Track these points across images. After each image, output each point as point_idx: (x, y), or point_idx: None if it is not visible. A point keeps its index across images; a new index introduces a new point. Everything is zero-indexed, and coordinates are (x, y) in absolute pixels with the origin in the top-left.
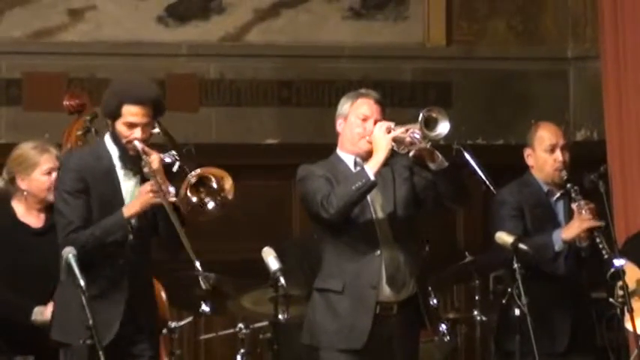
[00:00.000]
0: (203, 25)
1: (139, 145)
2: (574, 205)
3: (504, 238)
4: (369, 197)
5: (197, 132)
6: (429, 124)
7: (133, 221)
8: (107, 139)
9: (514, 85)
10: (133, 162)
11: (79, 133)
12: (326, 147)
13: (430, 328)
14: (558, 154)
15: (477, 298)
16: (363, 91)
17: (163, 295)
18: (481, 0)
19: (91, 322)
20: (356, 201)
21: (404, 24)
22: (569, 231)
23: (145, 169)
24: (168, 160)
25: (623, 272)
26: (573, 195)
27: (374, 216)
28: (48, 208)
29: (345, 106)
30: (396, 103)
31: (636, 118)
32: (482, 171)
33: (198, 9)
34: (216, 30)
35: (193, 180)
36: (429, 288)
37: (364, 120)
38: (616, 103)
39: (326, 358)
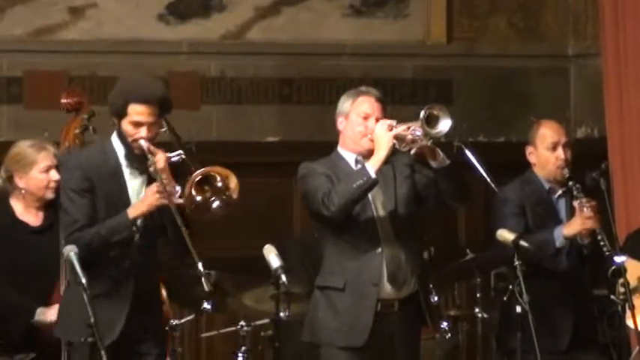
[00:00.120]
0: (204, 23)
1: (144, 144)
2: (576, 203)
3: (505, 235)
4: (370, 195)
5: (198, 130)
6: (431, 121)
7: (139, 222)
8: (114, 138)
9: (515, 83)
10: (139, 161)
11: (77, 131)
12: (327, 145)
13: (431, 325)
14: (560, 152)
15: (478, 295)
16: (363, 88)
17: (164, 292)
18: None
19: (92, 320)
20: (357, 199)
21: (404, 21)
22: (571, 228)
23: (151, 169)
24: (174, 159)
25: (625, 269)
26: (575, 192)
27: (375, 214)
28: (46, 206)
29: (345, 104)
30: (396, 101)
31: (637, 115)
32: (483, 168)
33: (198, 7)
34: (217, 28)
35: (198, 178)
36: (430, 285)
37: (365, 118)
38: (617, 100)
39: (327, 355)
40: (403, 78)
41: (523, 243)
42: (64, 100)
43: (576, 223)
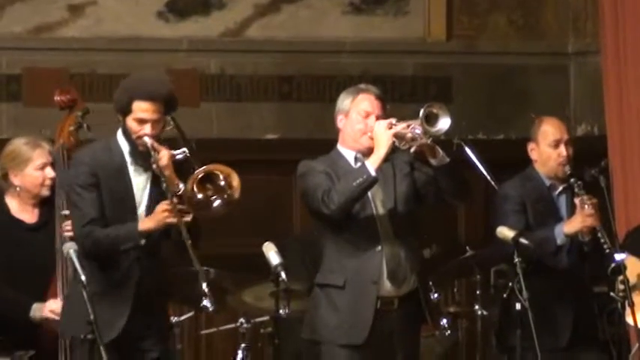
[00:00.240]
0: (203, 21)
1: (148, 141)
2: (577, 200)
3: (505, 232)
4: (369, 193)
5: (198, 127)
6: (430, 119)
7: None
8: (119, 135)
9: (515, 80)
10: (144, 158)
11: (72, 128)
12: (326, 142)
13: (431, 322)
14: (562, 149)
15: (478, 292)
16: (362, 86)
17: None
18: None
19: (92, 317)
20: (357, 197)
21: (404, 19)
22: (571, 225)
23: (154, 165)
24: (178, 156)
25: (624, 267)
26: (576, 189)
27: (375, 212)
28: (41, 204)
29: (345, 101)
30: (396, 99)
31: (637, 112)
32: (483, 166)
33: (198, 4)
34: (217, 25)
35: (200, 176)
36: (430, 282)
37: (365, 116)
38: (616, 97)
39: (327, 353)
40: (403, 75)
41: (523, 240)
42: (57, 98)
43: (577, 221)
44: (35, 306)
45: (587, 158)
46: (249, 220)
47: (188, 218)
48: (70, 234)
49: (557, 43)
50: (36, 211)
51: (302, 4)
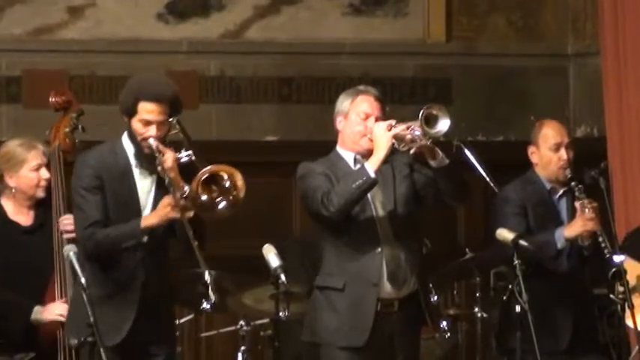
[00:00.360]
0: (203, 22)
1: (153, 142)
2: (577, 204)
3: (505, 234)
4: (369, 195)
5: (197, 129)
6: (430, 121)
7: None
8: (124, 137)
9: (514, 82)
10: (149, 161)
11: (67, 130)
12: (326, 144)
13: (431, 324)
14: (563, 153)
15: (477, 294)
16: (362, 88)
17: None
18: None
19: (92, 319)
20: (356, 199)
21: (404, 20)
22: (572, 229)
23: (159, 167)
24: (183, 159)
25: (625, 271)
26: (577, 193)
27: (374, 213)
28: (37, 205)
29: (344, 103)
30: (396, 100)
31: (636, 114)
32: (482, 167)
33: (197, 6)
34: (216, 27)
35: (205, 177)
36: (430, 285)
37: (365, 118)
38: (616, 99)
39: (327, 355)
40: (402, 77)
41: (522, 242)
42: (52, 99)
43: (577, 225)
44: (37, 309)
45: (587, 160)
46: (248, 222)
47: (190, 214)
48: (68, 228)
49: (556, 45)
50: (31, 213)
51: (302, 5)
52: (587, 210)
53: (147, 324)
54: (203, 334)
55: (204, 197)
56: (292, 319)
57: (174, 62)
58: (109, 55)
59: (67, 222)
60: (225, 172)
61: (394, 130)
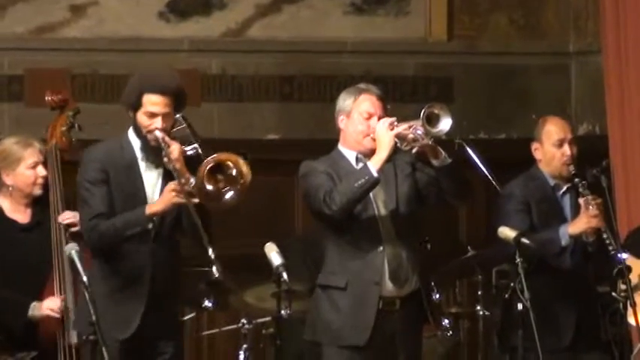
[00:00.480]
0: (204, 21)
1: (159, 134)
2: (581, 200)
3: (507, 232)
4: (371, 194)
5: (199, 127)
6: (431, 120)
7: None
8: (130, 132)
9: (516, 80)
10: (155, 154)
11: (64, 128)
12: (328, 142)
13: (433, 323)
14: (566, 149)
15: (479, 292)
16: (363, 86)
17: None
18: None
19: (94, 317)
20: (359, 198)
21: (405, 19)
22: (576, 226)
23: (165, 159)
24: (189, 152)
25: (630, 269)
26: (581, 189)
27: (377, 212)
28: (34, 203)
29: (347, 102)
30: (397, 99)
31: (638, 112)
32: (484, 166)
33: (199, 4)
34: (218, 25)
35: (210, 165)
36: (432, 283)
37: (367, 117)
38: (618, 97)
39: (329, 353)
40: (404, 75)
41: (524, 240)
42: (48, 98)
43: (582, 222)
44: (34, 305)
45: (589, 158)
46: (250, 221)
47: (196, 200)
48: (69, 222)
49: (558, 43)
50: (28, 211)
51: (303, 4)
52: (591, 206)
53: (155, 319)
54: (205, 333)
55: (210, 187)
56: (294, 318)
57: (175, 61)
58: (110, 53)
59: (66, 217)
60: (230, 161)
61: (396, 130)
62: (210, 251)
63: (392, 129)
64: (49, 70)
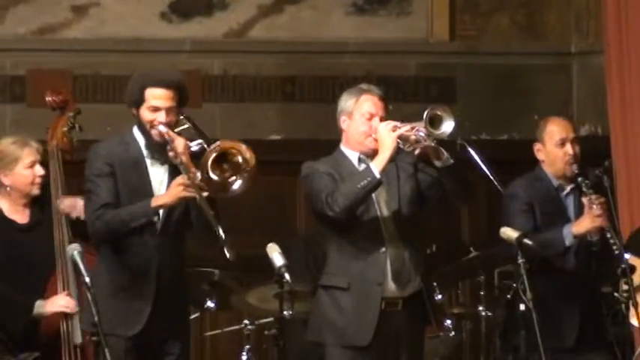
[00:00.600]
0: (206, 22)
1: (163, 129)
2: (585, 200)
3: (509, 233)
4: (373, 194)
5: (200, 128)
6: (434, 122)
7: (161, 211)
8: (134, 129)
9: (517, 80)
10: (160, 151)
11: (65, 129)
12: (329, 143)
13: (435, 323)
14: (569, 148)
15: (482, 293)
16: (365, 87)
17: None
18: None
19: (96, 318)
20: (361, 199)
21: (407, 19)
22: (580, 226)
23: (171, 153)
24: (194, 148)
25: (634, 268)
26: (584, 189)
27: (379, 213)
28: (32, 203)
29: (348, 102)
30: (399, 99)
31: None
32: (486, 166)
33: (201, 5)
34: (220, 26)
35: (213, 155)
36: (434, 284)
37: (369, 118)
38: (620, 97)
39: (332, 354)
40: (406, 76)
41: (527, 241)
42: (48, 98)
43: (586, 222)
44: (39, 303)
45: (591, 158)
46: (252, 221)
47: (205, 193)
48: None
49: (560, 43)
50: (27, 212)
51: (305, 4)
52: (594, 206)
53: (163, 317)
54: (207, 333)
55: (216, 178)
56: (297, 318)
57: (177, 61)
58: (112, 54)
59: (66, 204)
60: (234, 148)
61: (399, 131)
62: (220, 231)
63: (394, 130)
64: (50, 71)
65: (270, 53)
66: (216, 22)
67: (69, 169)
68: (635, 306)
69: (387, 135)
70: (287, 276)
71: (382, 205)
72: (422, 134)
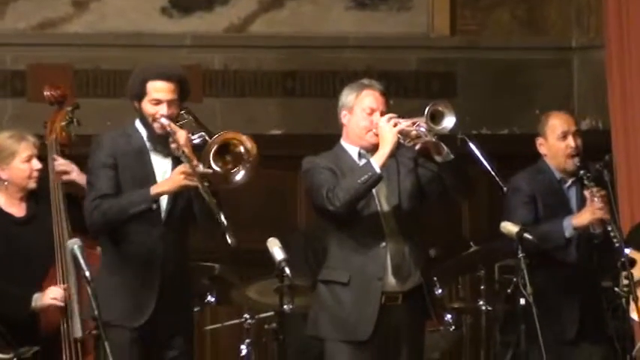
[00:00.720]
0: (207, 16)
1: (165, 121)
2: (587, 192)
3: (509, 227)
4: (374, 189)
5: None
6: (435, 117)
7: (165, 205)
8: (137, 122)
9: (518, 75)
10: (163, 143)
11: (63, 124)
12: (330, 137)
13: (435, 318)
14: (570, 140)
15: (482, 287)
16: (366, 82)
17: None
18: None
19: (96, 312)
20: (362, 194)
21: (408, 14)
22: (581, 218)
23: (173, 145)
24: (196, 140)
25: (634, 262)
26: (586, 182)
27: (379, 208)
28: (29, 197)
29: (349, 97)
30: (400, 94)
31: None
32: (487, 161)
33: (202, 0)
34: (221, 21)
35: (214, 147)
36: (434, 278)
37: (370, 113)
38: (620, 92)
39: (332, 349)
40: (406, 70)
41: (527, 235)
42: (47, 93)
43: (587, 214)
44: (36, 296)
45: (591, 153)
46: (253, 216)
47: (207, 183)
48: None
49: (560, 38)
50: (24, 205)
51: None
52: (596, 199)
53: (168, 311)
54: (208, 327)
55: (218, 169)
56: (297, 312)
57: (178, 56)
58: (113, 49)
59: (61, 162)
60: (235, 139)
61: (400, 126)
62: (222, 218)
63: (395, 125)
64: (51, 66)
65: (270, 48)
66: (216, 16)
67: None
68: (636, 300)
69: (388, 130)
70: (287, 270)
71: (382, 199)
72: (423, 129)
